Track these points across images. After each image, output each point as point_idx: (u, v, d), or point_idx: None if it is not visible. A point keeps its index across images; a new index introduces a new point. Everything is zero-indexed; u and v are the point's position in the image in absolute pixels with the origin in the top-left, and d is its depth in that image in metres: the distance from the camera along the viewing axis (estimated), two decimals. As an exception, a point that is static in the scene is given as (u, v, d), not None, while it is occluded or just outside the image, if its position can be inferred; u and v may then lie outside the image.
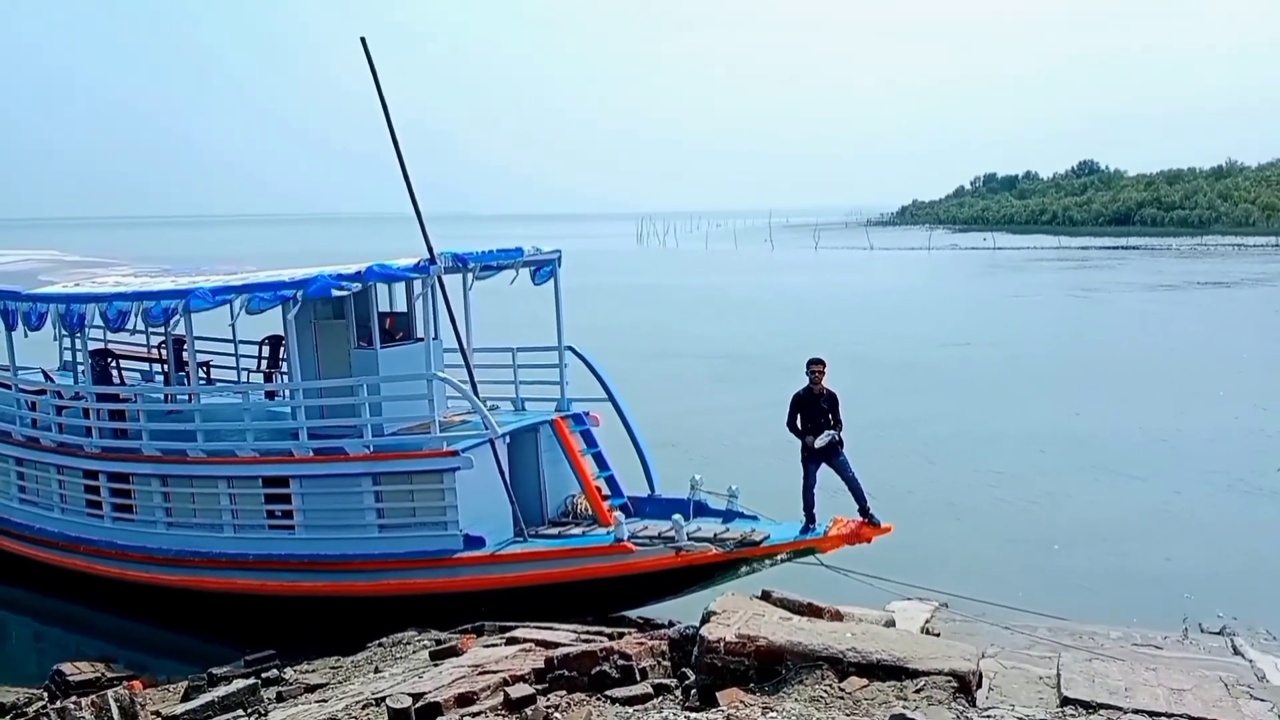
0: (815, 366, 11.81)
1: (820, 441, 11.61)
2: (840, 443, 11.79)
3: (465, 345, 13.61)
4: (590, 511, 13.14)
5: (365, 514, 12.51)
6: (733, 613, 6.22)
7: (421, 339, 14.16)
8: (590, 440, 14.00)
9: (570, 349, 14.49)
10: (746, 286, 64.43)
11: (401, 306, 14.63)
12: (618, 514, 12.38)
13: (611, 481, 13.83)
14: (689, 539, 11.74)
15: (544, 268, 14.48)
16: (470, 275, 13.66)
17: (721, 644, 5.83)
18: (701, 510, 13.06)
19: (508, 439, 12.94)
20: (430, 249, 12.73)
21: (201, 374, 16.48)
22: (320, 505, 12.72)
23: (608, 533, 12.16)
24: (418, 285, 14.03)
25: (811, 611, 7.24)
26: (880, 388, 27.05)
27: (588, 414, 14.26)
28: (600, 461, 13.88)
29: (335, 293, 12.72)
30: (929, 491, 18.38)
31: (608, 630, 10.22)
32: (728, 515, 12.89)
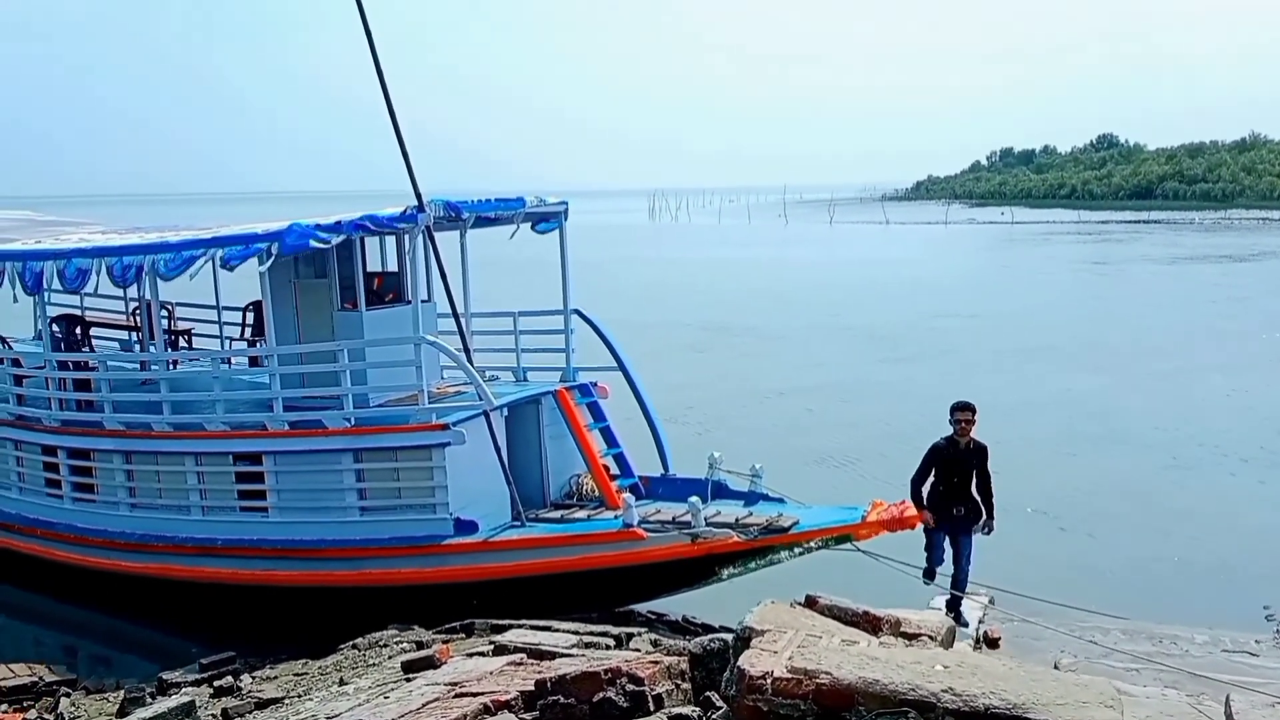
0: (961, 415, 9.67)
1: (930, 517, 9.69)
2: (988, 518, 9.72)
3: (459, 307, 12.28)
4: (597, 493, 11.82)
5: (345, 495, 11.20)
6: (779, 633, 4.79)
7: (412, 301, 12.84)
8: (598, 413, 12.66)
9: (577, 313, 13.14)
10: (755, 260, 63.04)
11: (392, 265, 13.33)
12: (627, 496, 11.01)
13: (621, 459, 12.47)
14: (707, 524, 10.37)
15: (548, 220, 13.09)
16: (465, 227, 12.31)
17: (769, 681, 4.36)
18: (721, 492, 11.70)
19: (505, 412, 11.60)
20: (418, 194, 11.32)
21: (183, 343, 15.30)
22: (296, 485, 11.44)
23: (615, 517, 10.82)
24: (409, 241, 12.68)
25: (867, 621, 5.85)
26: (887, 358, 25.47)
27: (595, 385, 12.90)
28: (609, 437, 12.53)
29: (314, 244, 11.37)
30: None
31: (614, 630, 8.94)
32: (750, 498, 11.52)
